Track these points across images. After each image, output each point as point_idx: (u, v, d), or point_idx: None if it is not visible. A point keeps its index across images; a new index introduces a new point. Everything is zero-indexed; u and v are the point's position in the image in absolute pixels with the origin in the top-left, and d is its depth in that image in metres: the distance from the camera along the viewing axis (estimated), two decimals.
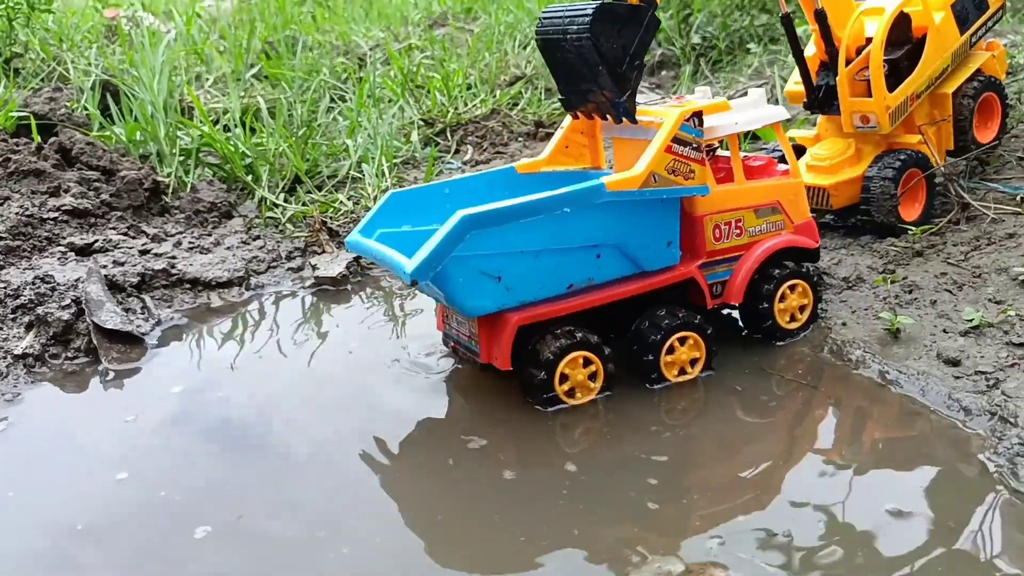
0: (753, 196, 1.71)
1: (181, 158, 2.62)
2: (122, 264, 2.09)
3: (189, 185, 2.50)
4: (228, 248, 2.28)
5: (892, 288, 1.84)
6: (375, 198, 2.40)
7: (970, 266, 1.85)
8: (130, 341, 1.87)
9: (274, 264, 2.24)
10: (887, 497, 1.31)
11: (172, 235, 2.31)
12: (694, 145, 1.59)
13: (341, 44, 4.11)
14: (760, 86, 3.33)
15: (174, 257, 2.19)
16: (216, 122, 2.92)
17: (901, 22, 2.00)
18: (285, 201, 2.52)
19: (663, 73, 4.03)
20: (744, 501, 1.33)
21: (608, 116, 1.71)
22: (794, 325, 1.76)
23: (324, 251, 2.25)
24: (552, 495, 1.35)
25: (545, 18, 1.68)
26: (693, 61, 3.98)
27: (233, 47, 3.65)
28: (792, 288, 1.74)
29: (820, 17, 1.99)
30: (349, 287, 2.14)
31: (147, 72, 2.72)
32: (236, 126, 2.76)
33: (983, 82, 2.12)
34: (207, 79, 3.52)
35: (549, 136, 2.96)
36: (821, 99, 2.05)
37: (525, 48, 3.81)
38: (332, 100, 3.31)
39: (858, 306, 1.83)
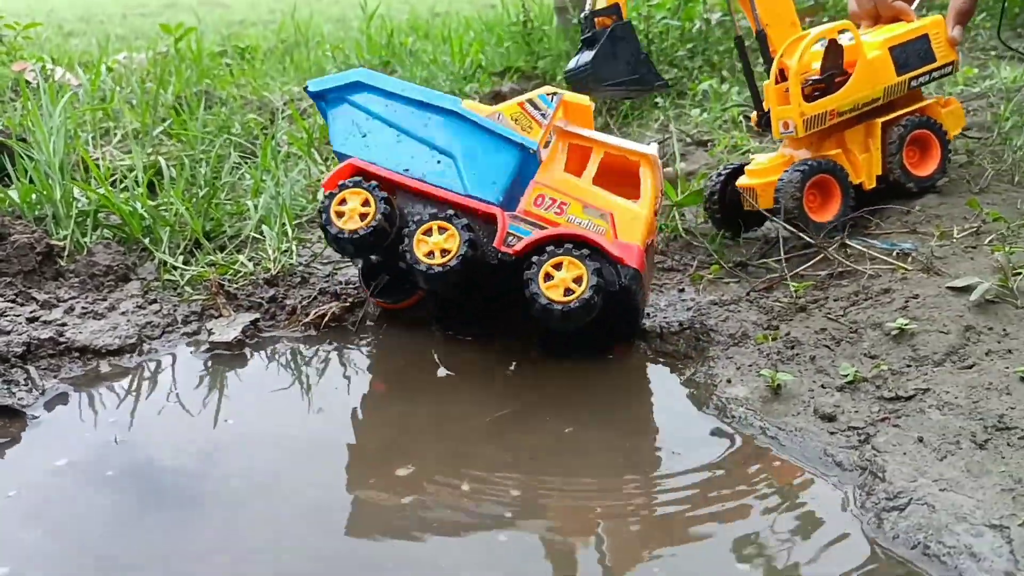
0: (588, 194, 1.91)
1: (80, 220, 2.58)
2: (7, 333, 2.03)
3: (85, 248, 2.45)
4: (123, 313, 2.23)
5: (774, 345, 1.90)
6: (275, 260, 2.38)
7: (848, 321, 1.92)
8: (10, 415, 1.81)
9: (169, 329, 2.20)
10: (753, 553, 1.34)
11: (64, 300, 2.26)
12: (542, 112, 1.91)
13: (255, 99, 4.10)
14: (664, 140, 3.43)
15: (64, 324, 2.13)
16: (122, 180, 2.88)
17: (831, 51, 2.25)
18: (186, 263, 2.49)
19: None
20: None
21: (655, 91, 2.34)
22: (570, 299, 1.81)
23: (221, 315, 2.23)
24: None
25: (568, 79, 2.20)
26: (604, 114, 4.07)
27: (142, 102, 3.62)
28: (558, 266, 1.83)
29: (761, 38, 2.30)
30: (246, 351, 2.12)
31: (41, 131, 2.67)
32: (138, 186, 2.72)
33: (920, 119, 2.37)
34: (115, 135, 3.48)
35: None
36: (767, 120, 2.33)
37: None
38: (242, 157, 3.30)
39: (743, 363, 1.88)
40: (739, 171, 2.46)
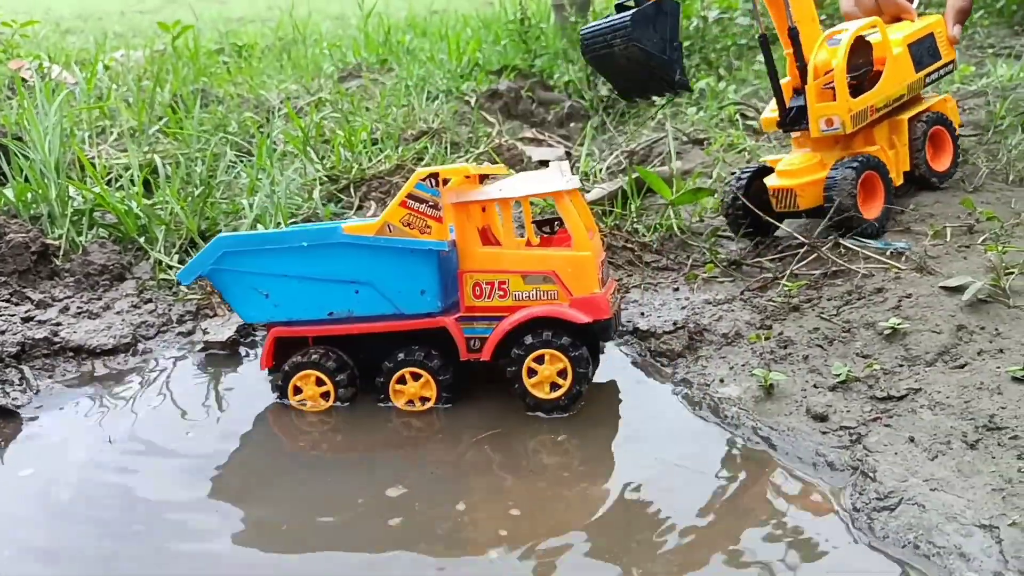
0: (520, 262, 1.76)
1: (75, 219, 2.58)
2: (2, 333, 2.03)
3: (81, 247, 2.46)
4: (118, 312, 2.24)
5: (767, 344, 1.90)
6: None
7: (841, 321, 1.92)
8: (4, 416, 1.81)
9: (164, 328, 2.20)
10: (746, 553, 1.35)
11: (59, 300, 2.26)
12: (431, 203, 1.74)
13: (251, 97, 4.10)
14: (659, 139, 3.42)
15: (59, 324, 2.14)
16: (118, 179, 2.88)
17: (861, 46, 2.24)
18: (180, 262, 2.49)
19: (571, 125, 4.13)
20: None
21: (666, 94, 2.08)
22: (556, 394, 1.75)
23: (216, 314, 2.23)
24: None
25: (587, 38, 1.98)
26: (601, 113, 4.07)
27: (139, 101, 3.62)
28: (540, 360, 1.74)
29: (793, 35, 2.21)
30: (240, 350, 2.12)
31: (36, 130, 2.67)
32: (134, 184, 2.73)
33: (934, 116, 2.40)
34: (111, 134, 3.48)
35: None
36: (792, 119, 2.27)
37: (434, 101, 3.86)
38: (238, 155, 3.30)
39: (736, 362, 1.89)
40: (759, 173, 2.39)
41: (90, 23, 11.43)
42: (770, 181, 2.31)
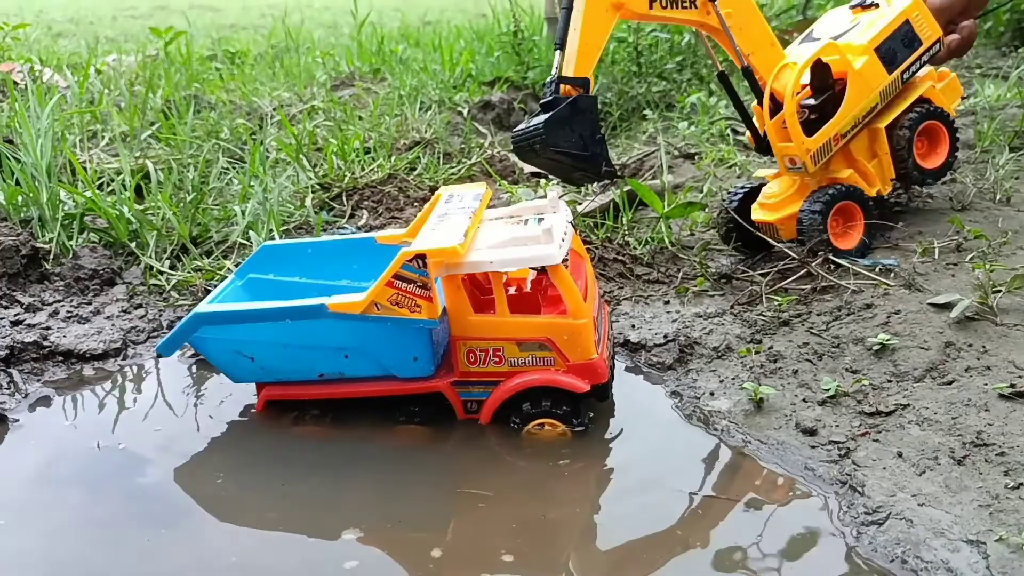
0: (515, 330, 1.70)
1: (66, 223, 2.57)
2: None
3: (71, 251, 2.45)
4: (108, 317, 2.23)
5: (757, 358, 1.91)
6: None
7: (830, 336, 1.94)
8: None
9: (154, 334, 2.19)
10: (733, 568, 1.35)
11: (49, 304, 2.25)
12: (419, 283, 1.66)
13: (244, 104, 4.10)
14: (651, 152, 3.45)
15: (48, 328, 2.13)
16: (110, 183, 2.87)
17: (819, 71, 2.15)
18: (172, 268, 2.49)
19: None
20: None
21: (597, 181, 2.10)
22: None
23: None
24: None
25: (515, 141, 1.95)
26: None
27: (130, 105, 3.61)
28: (541, 426, 1.73)
29: (747, 73, 2.16)
30: None
31: (28, 133, 2.66)
32: (125, 189, 2.72)
33: (923, 112, 2.26)
34: (103, 138, 3.47)
35: None
36: (766, 146, 2.23)
37: (426, 112, 3.87)
38: (230, 162, 3.30)
39: (726, 376, 1.90)
40: (753, 192, 2.40)
41: (82, 27, 11.40)
42: (755, 213, 2.32)
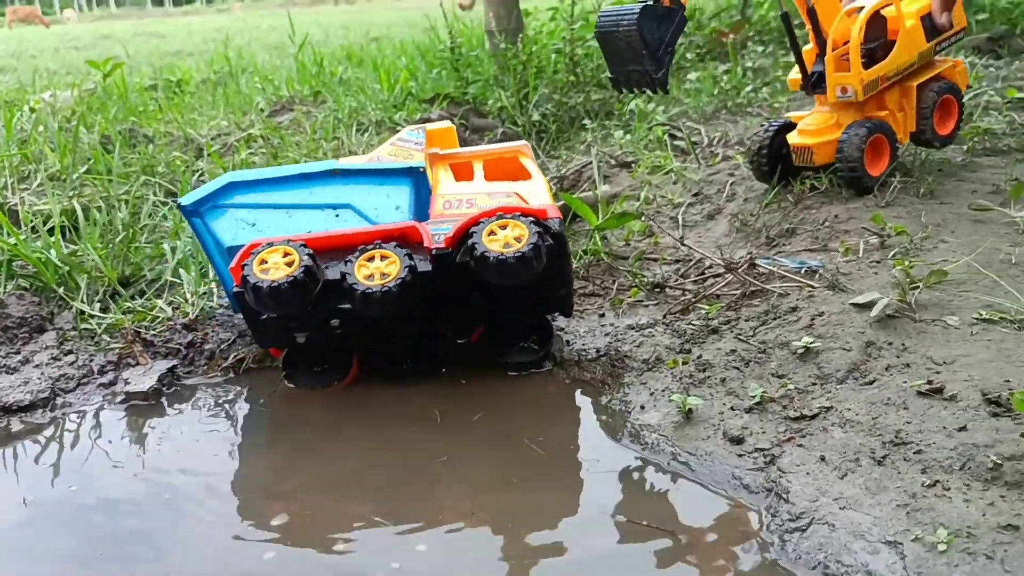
0: (488, 189, 2.04)
1: None
2: None
3: None
4: (36, 366, 2.19)
5: (686, 368, 1.93)
6: (193, 304, 2.36)
7: (757, 342, 1.96)
8: None
9: (84, 380, 2.16)
10: None
11: None
12: (415, 142, 2.09)
13: (181, 135, 4.06)
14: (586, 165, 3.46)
15: None
16: (44, 225, 2.83)
17: (877, 21, 2.52)
18: (105, 310, 2.45)
19: None
20: None
21: (646, 88, 2.33)
22: (510, 251, 1.82)
23: (138, 363, 2.20)
24: None
25: (601, 18, 2.30)
26: (533, 138, 4.11)
27: (61, 144, 3.56)
28: (503, 227, 1.88)
29: (811, 13, 2.51)
30: (163, 400, 2.09)
31: None
32: (53, 233, 2.68)
33: (945, 85, 2.65)
34: (36, 179, 3.41)
35: None
36: (813, 83, 2.58)
37: (363, 134, 3.87)
38: (168, 195, 3.26)
39: (656, 388, 1.91)
40: (784, 128, 2.69)
41: (23, 60, 11.24)
42: (791, 138, 2.63)
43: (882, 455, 1.55)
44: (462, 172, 2.16)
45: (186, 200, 2.00)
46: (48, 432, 1.99)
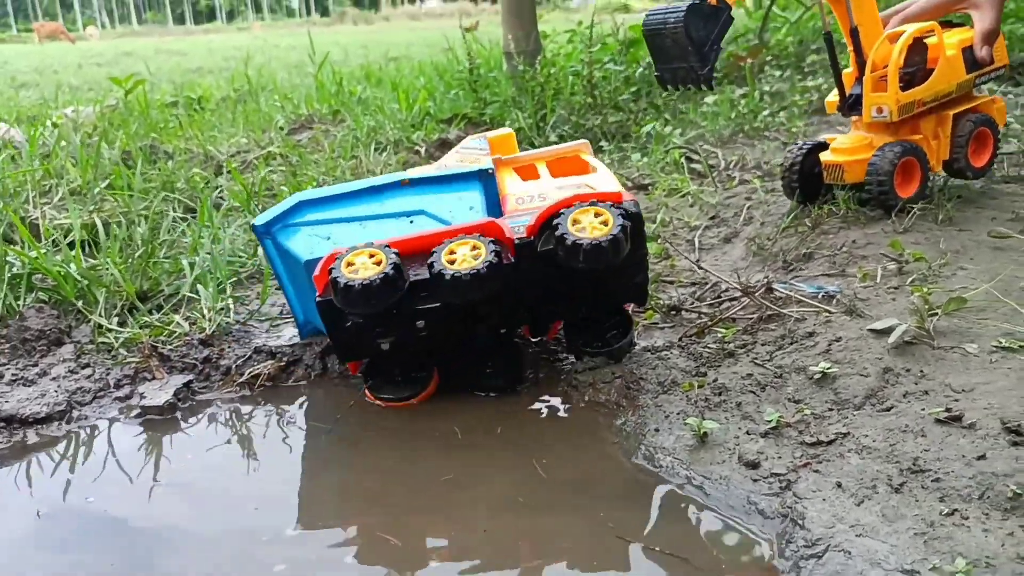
0: (557, 184, 2.05)
1: (15, 282, 2.55)
2: None
3: (18, 312, 2.43)
4: (53, 379, 2.21)
5: (702, 392, 1.92)
6: (210, 319, 2.37)
7: (774, 366, 1.95)
8: None
9: (101, 394, 2.17)
10: None
11: None
12: (479, 149, 2.14)
13: (201, 152, 4.10)
14: None
15: None
16: (65, 239, 2.86)
17: (918, 47, 2.57)
18: (123, 324, 2.47)
19: None
20: None
21: (691, 85, 2.39)
22: (598, 235, 1.84)
23: (154, 377, 2.21)
24: None
25: (648, 16, 2.37)
26: None
27: (82, 159, 3.60)
28: (585, 214, 1.89)
29: (854, 34, 2.57)
30: (178, 415, 2.10)
31: None
32: (74, 247, 2.71)
33: (982, 117, 2.71)
34: (58, 193, 3.46)
35: None
36: (851, 104, 2.64)
37: (381, 153, 3.89)
38: (188, 212, 3.29)
39: (671, 411, 1.90)
40: (816, 148, 2.76)
41: (46, 76, 11.40)
42: (824, 156, 2.69)
43: (899, 482, 1.53)
44: (527, 174, 2.18)
45: (258, 221, 2.04)
46: (63, 445, 2.00)
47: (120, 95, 5.75)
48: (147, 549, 1.60)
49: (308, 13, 62.78)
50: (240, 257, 2.82)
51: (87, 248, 2.84)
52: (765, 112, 4.40)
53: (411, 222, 2.02)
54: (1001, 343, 1.84)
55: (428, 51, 10.44)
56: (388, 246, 1.89)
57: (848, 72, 2.66)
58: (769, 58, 5.69)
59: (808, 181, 2.79)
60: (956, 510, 1.44)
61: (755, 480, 1.65)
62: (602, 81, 4.57)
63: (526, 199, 2.01)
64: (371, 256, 1.86)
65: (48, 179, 3.56)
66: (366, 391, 2.08)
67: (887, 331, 1.90)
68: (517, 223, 1.93)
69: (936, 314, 1.92)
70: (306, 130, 4.66)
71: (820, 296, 2.15)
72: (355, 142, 4.06)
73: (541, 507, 1.67)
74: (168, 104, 5.98)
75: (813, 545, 1.44)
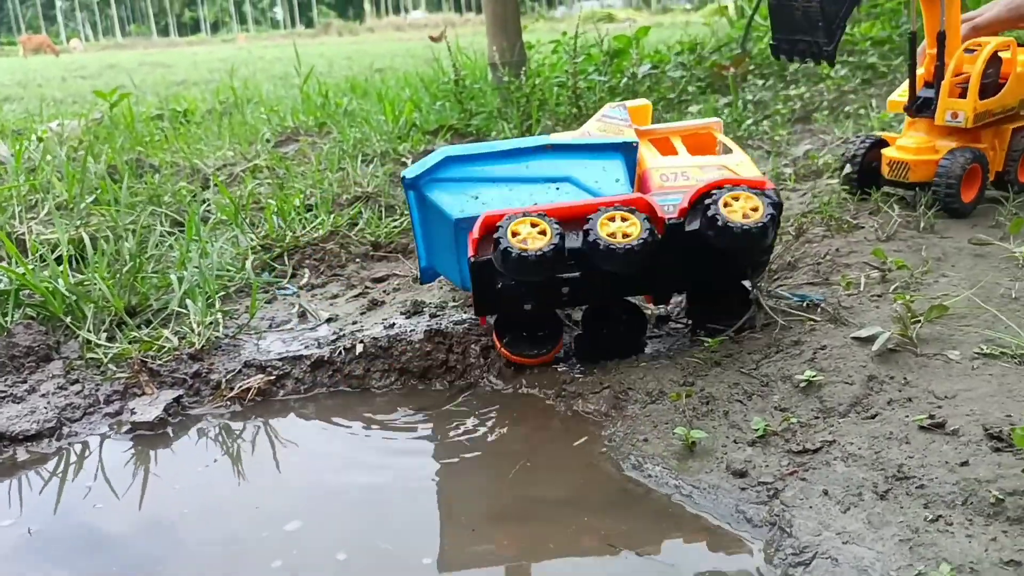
0: (697, 163, 2.12)
1: (2, 298, 2.55)
2: None
3: (5, 329, 2.42)
4: (43, 395, 2.21)
5: (690, 401, 1.94)
6: (199, 334, 2.37)
7: (760, 375, 1.97)
8: None
9: (91, 410, 2.17)
10: None
11: None
12: (621, 119, 2.18)
13: (187, 165, 4.10)
14: None
15: None
16: (52, 254, 2.85)
17: (993, 60, 2.63)
18: (111, 339, 2.47)
19: None
20: None
21: (811, 60, 2.40)
22: (748, 220, 1.91)
23: (144, 393, 2.21)
24: None
25: None
26: None
27: (68, 174, 3.60)
28: (736, 198, 1.95)
29: (940, 38, 2.60)
30: (168, 430, 2.10)
31: None
32: (61, 262, 2.70)
33: None
34: (43, 208, 3.45)
35: (386, 257, 3.03)
36: (919, 106, 2.70)
37: (368, 165, 3.90)
38: (175, 225, 3.29)
39: (660, 420, 1.92)
40: (878, 144, 2.84)
41: (30, 89, 11.35)
42: (889, 152, 2.76)
43: (884, 489, 1.56)
44: (664, 148, 2.23)
45: (408, 174, 2.09)
46: (54, 462, 2.00)
47: (105, 108, 5.74)
48: (138, 565, 1.61)
49: (293, 24, 62.85)
50: (229, 271, 2.82)
51: (74, 263, 2.83)
52: (749, 121, 4.44)
53: (557, 189, 2.07)
54: (983, 350, 1.87)
55: (413, 62, 10.46)
56: (546, 214, 1.94)
57: (919, 74, 2.70)
58: (752, 67, 5.74)
59: (866, 175, 2.86)
60: (940, 516, 1.46)
61: (743, 488, 1.67)
62: (587, 91, 4.61)
63: (670, 176, 2.07)
64: (534, 225, 1.92)
65: (34, 194, 3.55)
66: (501, 348, 2.18)
67: (871, 339, 1.93)
68: (666, 201, 2.00)
69: (919, 321, 1.95)
70: (292, 142, 4.67)
71: (805, 304, 2.18)
72: (342, 154, 4.07)
73: (530, 516, 1.68)
74: (154, 117, 5.97)
75: (801, 552, 1.46)
